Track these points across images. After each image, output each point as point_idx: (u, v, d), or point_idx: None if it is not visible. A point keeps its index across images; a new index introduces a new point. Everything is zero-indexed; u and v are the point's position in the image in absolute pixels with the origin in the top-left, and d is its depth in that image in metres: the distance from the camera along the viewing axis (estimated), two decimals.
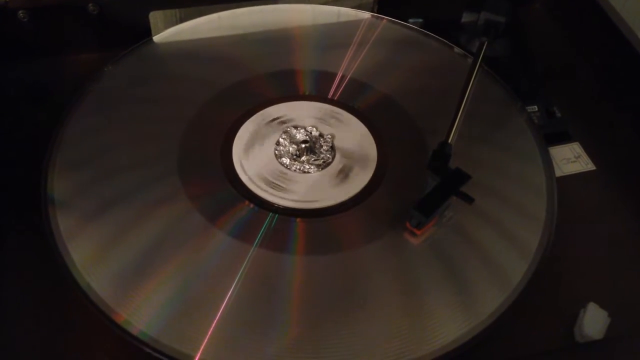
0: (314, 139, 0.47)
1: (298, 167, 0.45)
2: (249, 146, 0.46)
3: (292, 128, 0.47)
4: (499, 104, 0.51)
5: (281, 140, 0.47)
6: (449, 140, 0.43)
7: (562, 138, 0.52)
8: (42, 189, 0.42)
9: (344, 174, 0.45)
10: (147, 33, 0.54)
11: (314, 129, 0.47)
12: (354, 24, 0.56)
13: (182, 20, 0.56)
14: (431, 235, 0.42)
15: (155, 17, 0.54)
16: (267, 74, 0.51)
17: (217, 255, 0.40)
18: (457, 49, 0.55)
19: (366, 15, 0.57)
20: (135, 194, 0.42)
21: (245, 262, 0.39)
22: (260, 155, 0.46)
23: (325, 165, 0.46)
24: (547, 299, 0.42)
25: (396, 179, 0.45)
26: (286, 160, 0.46)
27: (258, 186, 0.44)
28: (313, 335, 0.37)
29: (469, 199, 0.40)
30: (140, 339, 0.36)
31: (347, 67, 0.52)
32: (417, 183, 0.43)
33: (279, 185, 0.44)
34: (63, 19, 0.53)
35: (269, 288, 0.39)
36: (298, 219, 0.42)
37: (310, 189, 0.44)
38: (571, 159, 0.50)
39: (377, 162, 0.46)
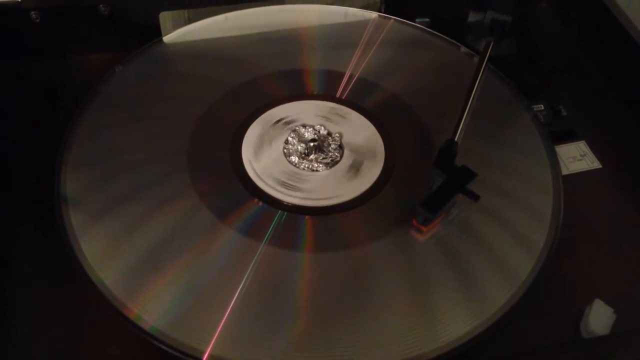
0: (322, 138, 0.47)
1: (306, 166, 0.46)
2: (257, 144, 0.47)
3: (301, 127, 0.48)
4: (505, 102, 0.51)
5: (290, 138, 0.47)
6: (456, 139, 0.43)
7: (568, 136, 0.52)
8: (54, 187, 0.42)
9: (352, 172, 0.46)
10: (157, 33, 0.54)
11: (322, 127, 0.48)
12: (361, 24, 0.57)
13: (190, 21, 0.56)
14: (438, 232, 0.42)
15: (164, 17, 0.55)
16: (275, 74, 0.52)
17: (226, 252, 0.40)
18: (463, 48, 0.55)
19: (373, 15, 0.57)
20: (145, 192, 0.43)
21: (254, 259, 0.40)
22: (269, 154, 0.46)
23: (333, 163, 0.46)
24: (553, 295, 0.42)
25: (404, 176, 0.45)
26: (295, 159, 0.46)
27: (267, 184, 0.44)
28: (321, 331, 0.37)
29: (474, 197, 0.41)
30: (151, 333, 0.36)
31: (354, 66, 0.53)
32: (424, 181, 0.44)
33: (288, 183, 0.44)
34: (74, 20, 0.53)
35: (277, 284, 0.39)
36: (307, 217, 0.43)
37: (319, 187, 0.44)
38: (577, 157, 0.51)
39: (385, 160, 0.46)
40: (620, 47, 0.55)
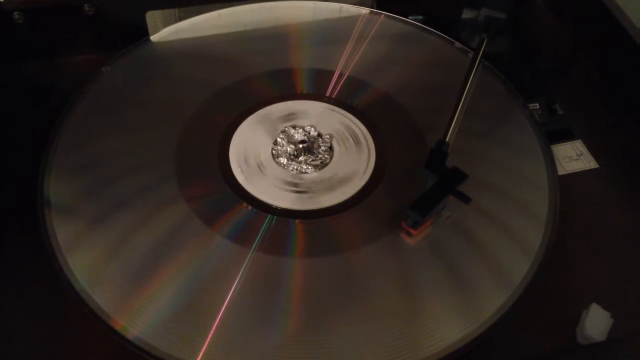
0: (312, 139, 0.46)
1: (296, 168, 0.45)
2: (246, 147, 0.46)
3: (290, 128, 0.47)
4: (500, 101, 0.50)
5: (279, 140, 0.46)
6: (447, 139, 0.43)
7: (565, 135, 0.51)
8: (38, 193, 0.42)
9: (342, 173, 0.45)
10: (145, 33, 0.53)
11: (312, 128, 0.47)
12: (353, 21, 0.56)
13: (180, 19, 0.55)
14: (430, 234, 0.41)
15: (153, 16, 0.54)
16: (264, 73, 0.51)
17: (215, 259, 0.40)
18: (457, 45, 0.54)
19: (365, 11, 0.56)
20: (132, 198, 0.42)
21: (244, 266, 0.39)
22: (257, 156, 0.45)
23: (323, 165, 0.45)
24: (549, 299, 0.41)
25: (395, 178, 0.45)
26: (284, 161, 0.45)
27: (256, 188, 0.43)
28: (312, 339, 0.36)
29: (465, 199, 0.40)
30: (138, 345, 0.35)
31: (345, 64, 0.52)
32: (416, 182, 0.43)
33: (278, 186, 0.43)
34: (59, 20, 0.52)
35: (268, 291, 0.38)
36: (297, 220, 0.42)
37: (308, 189, 0.44)
38: (573, 156, 0.50)
39: (376, 161, 0.45)
40: (617, 44, 0.54)
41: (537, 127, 0.48)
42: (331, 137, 0.47)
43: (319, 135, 0.47)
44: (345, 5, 0.57)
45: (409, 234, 0.41)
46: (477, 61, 0.47)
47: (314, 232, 0.41)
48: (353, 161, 0.45)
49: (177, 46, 0.54)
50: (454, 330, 0.37)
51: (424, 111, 0.49)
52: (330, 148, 0.46)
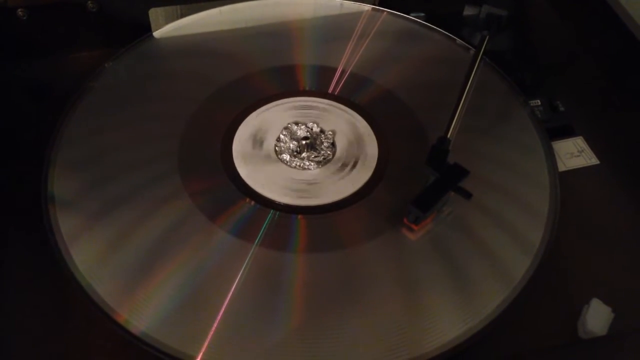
0: (314, 135, 0.46)
1: (298, 164, 0.45)
2: (249, 143, 0.46)
3: (293, 124, 0.47)
4: (502, 97, 0.50)
5: (282, 136, 0.46)
6: (448, 135, 0.43)
7: (566, 132, 0.51)
8: (42, 188, 0.42)
9: (344, 170, 0.45)
10: (147, 30, 0.54)
11: (315, 125, 0.47)
12: (355, 17, 0.56)
13: (183, 15, 0.55)
14: (431, 230, 0.41)
15: (155, 12, 0.54)
16: (267, 70, 0.51)
17: (218, 254, 0.40)
18: (459, 42, 0.54)
19: (367, 8, 0.57)
20: (135, 192, 0.42)
21: (246, 261, 0.39)
22: (261, 152, 0.45)
23: (325, 161, 0.45)
24: (550, 294, 0.41)
25: (397, 174, 0.45)
26: (286, 157, 0.45)
27: (258, 183, 0.43)
28: (314, 335, 0.37)
29: (467, 195, 0.40)
30: (141, 338, 0.36)
31: (347, 61, 0.52)
32: (418, 178, 0.43)
33: (280, 183, 0.44)
34: (62, 17, 0.53)
35: (270, 286, 0.39)
36: (299, 216, 0.42)
37: (311, 185, 0.44)
38: (575, 153, 0.50)
39: (378, 157, 0.46)
40: (619, 41, 0.54)
41: (538, 124, 0.48)
42: (333, 133, 0.47)
43: (322, 131, 0.47)
44: (347, 2, 0.57)
45: (411, 230, 0.41)
46: (479, 58, 0.47)
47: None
48: (355, 158, 0.46)
49: (179, 43, 0.54)
50: (455, 325, 0.37)
51: (426, 108, 0.49)
52: (333, 144, 0.46)
